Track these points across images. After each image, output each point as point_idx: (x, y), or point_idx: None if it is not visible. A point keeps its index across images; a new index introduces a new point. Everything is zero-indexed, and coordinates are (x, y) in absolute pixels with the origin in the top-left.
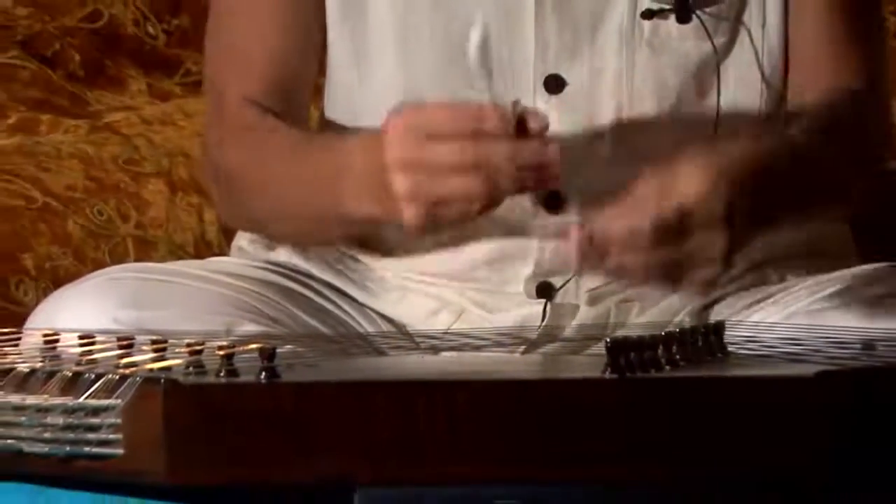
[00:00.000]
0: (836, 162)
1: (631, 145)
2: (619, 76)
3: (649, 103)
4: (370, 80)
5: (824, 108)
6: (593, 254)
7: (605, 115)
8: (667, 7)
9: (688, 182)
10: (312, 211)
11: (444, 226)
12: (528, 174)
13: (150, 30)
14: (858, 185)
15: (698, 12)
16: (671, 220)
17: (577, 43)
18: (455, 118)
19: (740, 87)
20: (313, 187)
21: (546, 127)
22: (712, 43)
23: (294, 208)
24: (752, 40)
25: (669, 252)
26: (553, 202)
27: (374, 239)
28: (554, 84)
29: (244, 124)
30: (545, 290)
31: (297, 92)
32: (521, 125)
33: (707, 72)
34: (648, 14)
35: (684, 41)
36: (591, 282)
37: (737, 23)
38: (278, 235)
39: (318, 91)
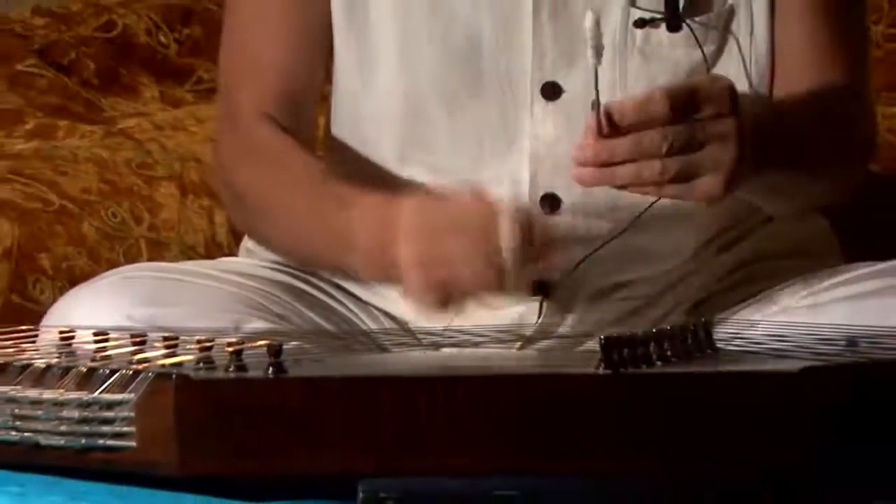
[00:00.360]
0: (822, 137)
1: None
2: (612, 83)
3: None
4: (373, 85)
5: (813, 96)
6: (608, 129)
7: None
8: (658, 16)
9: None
10: (317, 256)
11: (446, 310)
12: (528, 263)
13: (162, 39)
14: (843, 175)
15: (688, 21)
16: (687, 94)
17: (573, 51)
18: (467, 212)
19: None
20: (321, 238)
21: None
22: (702, 51)
23: (300, 248)
24: (740, 48)
25: (683, 128)
26: (550, 204)
27: None
28: (551, 91)
29: (258, 142)
30: (542, 288)
31: (305, 101)
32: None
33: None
34: (641, 23)
35: (675, 49)
36: (588, 284)
37: (725, 31)
38: (279, 254)
39: (325, 98)
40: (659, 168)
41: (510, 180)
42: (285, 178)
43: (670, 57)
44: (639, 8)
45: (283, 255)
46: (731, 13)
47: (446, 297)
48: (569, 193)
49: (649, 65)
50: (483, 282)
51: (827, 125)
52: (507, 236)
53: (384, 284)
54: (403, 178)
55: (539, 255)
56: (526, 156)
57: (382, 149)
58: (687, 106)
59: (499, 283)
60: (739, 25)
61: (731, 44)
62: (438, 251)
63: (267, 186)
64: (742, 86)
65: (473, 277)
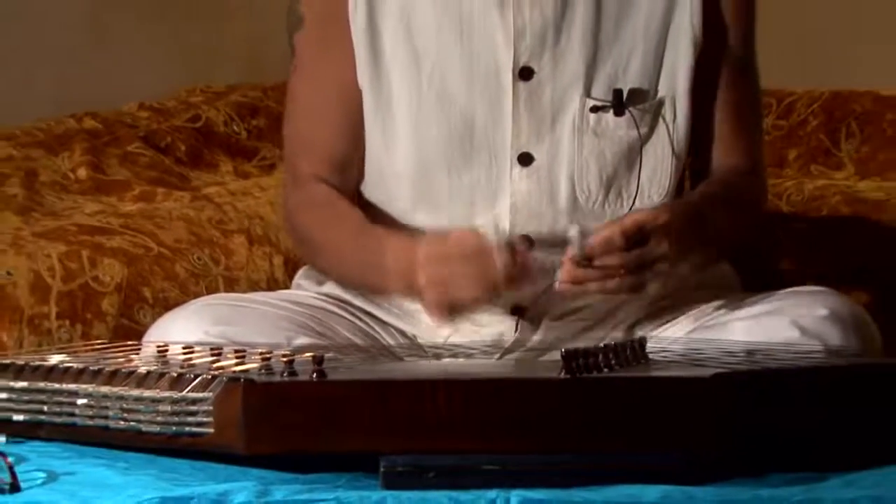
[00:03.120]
0: (727, 219)
1: (579, 204)
2: (571, 153)
3: (593, 173)
4: (393, 154)
5: (721, 182)
6: (583, 262)
7: (562, 182)
8: (607, 104)
9: (641, 213)
10: (359, 279)
11: (457, 316)
12: (513, 282)
13: (235, 128)
14: (743, 236)
15: (630, 109)
16: (635, 230)
17: (542, 129)
18: (463, 245)
19: (657, 163)
20: (362, 266)
21: (525, 250)
22: (638, 131)
23: (347, 273)
24: (667, 129)
25: (634, 255)
26: (524, 244)
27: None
28: (525, 159)
29: (314, 197)
30: (517, 311)
31: (349, 166)
32: (510, 247)
33: (634, 151)
34: (594, 109)
35: (619, 129)
36: (552, 308)
37: (656, 117)
38: (332, 278)
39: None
40: (615, 284)
41: (495, 226)
42: (335, 222)
43: (615, 135)
44: (592, 98)
45: (334, 279)
46: (661, 104)
47: (453, 309)
48: (539, 235)
49: (599, 141)
50: (479, 298)
51: (732, 211)
52: (500, 263)
53: (408, 299)
54: (415, 223)
55: (519, 278)
56: (507, 207)
57: (400, 201)
58: (637, 237)
59: (491, 300)
60: (666, 113)
61: (661, 126)
62: (446, 274)
63: (322, 229)
64: (668, 156)
65: (472, 295)
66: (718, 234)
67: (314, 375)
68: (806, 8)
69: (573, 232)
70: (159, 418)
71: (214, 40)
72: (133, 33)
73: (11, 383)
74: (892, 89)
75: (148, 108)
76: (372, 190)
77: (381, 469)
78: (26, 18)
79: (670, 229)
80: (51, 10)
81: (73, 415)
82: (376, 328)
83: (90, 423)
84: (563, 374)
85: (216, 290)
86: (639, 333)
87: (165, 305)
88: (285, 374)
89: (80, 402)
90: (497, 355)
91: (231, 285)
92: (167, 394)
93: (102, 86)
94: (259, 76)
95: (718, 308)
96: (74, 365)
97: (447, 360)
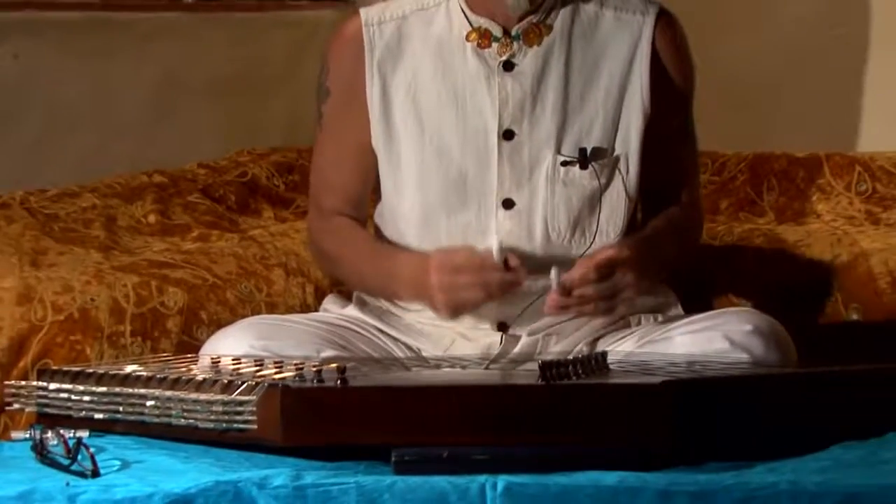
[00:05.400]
0: (673, 248)
1: (551, 240)
2: (545, 200)
3: (563, 215)
4: (402, 199)
5: (667, 216)
6: (565, 292)
7: (537, 223)
8: (574, 160)
9: (609, 249)
10: (375, 286)
11: (461, 314)
12: (507, 288)
13: (276, 182)
14: (683, 260)
15: (592, 164)
16: (605, 266)
17: (521, 180)
18: (470, 260)
19: (613, 207)
20: (378, 276)
21: (518, 265)
22: (599, 182)
23: (365, 284)
24: (623, 180)
25: (605, 285)
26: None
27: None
28: (508, 204)
29: (335, 227)
30: (501, 327)
31: (361, 204)
32: (505, 262)
33: (595, 198)
34: (564, 164)
35: (583, 180)
36: (531, 323)
37: (613, 170)
38: (351, 287)
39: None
40: (592, 308)
41: (498, 245)
42: (354, 243)
43: (580, 184)
44: (562, 155)
45: (352, 287)
46: (618, 159)
47: (458, 309)
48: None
49: (567, 189)
50: (480, 300)
51: (677, 240)
52: (498, 274)
53: (416, 301)
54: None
55: (512, 286)
56: (494, 243)
57: (408, 238)
58: (607, 270)
59: (487, 300)
60: (622, 167)
61: (617, 177)
62: (454, 281)
63: (341, 247)
64: (623, 201)
65: (475, 297)
66: (666, 259)
67: (338, 382)
68: (737, 87)
69: (553, 273)
70: (213, 417)
71: (259, 112)
72: (193, 107)
73: (93, 388)
74: (803, 152)
75: (205, 166)
76: (386, 229)
77: (393, 459)
78: (109, 95)
79: (633, 262)
80: (128, 88)
81: (143, 414)
82: (388, 343)
83: (157, 420)
84: (540, 381)
85: (259, 313)
86: (599, 348)
87: (218, 325)
88: (315, 381)
89: (148, 403)
90: (485, 365)
91: (271, 309)
92: (219, 397)
93: (168, 149)
94: (294, 141)
95: (662, 325)
96: (144, 373)
97: (446, 369)
